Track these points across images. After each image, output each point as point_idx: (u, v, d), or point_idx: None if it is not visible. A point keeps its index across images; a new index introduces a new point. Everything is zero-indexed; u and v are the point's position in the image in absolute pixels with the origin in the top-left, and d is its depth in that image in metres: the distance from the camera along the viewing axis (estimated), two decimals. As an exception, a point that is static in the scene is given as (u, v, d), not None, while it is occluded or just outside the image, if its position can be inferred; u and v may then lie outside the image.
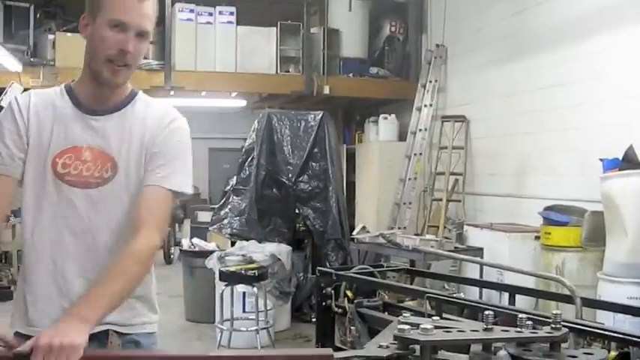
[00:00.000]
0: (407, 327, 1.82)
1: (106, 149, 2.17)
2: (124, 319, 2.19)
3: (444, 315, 4.00)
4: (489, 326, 1.87)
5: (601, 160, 6.06)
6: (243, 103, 12.15)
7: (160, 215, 2.17)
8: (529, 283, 5.60)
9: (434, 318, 2.06)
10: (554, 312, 1.88)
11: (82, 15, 2.16)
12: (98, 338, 2.09)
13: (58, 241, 2.17)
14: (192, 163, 2.28)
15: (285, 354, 2.02)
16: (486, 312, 1.84)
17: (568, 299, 4.09)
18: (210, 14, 10.30)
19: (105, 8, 2.07)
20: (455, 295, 4.53)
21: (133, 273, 2.03)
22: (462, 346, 1.96)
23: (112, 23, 2.06)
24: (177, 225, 14.08)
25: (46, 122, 2.18)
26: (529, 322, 1.89)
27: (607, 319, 4.85)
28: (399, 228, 9.25)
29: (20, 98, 2.21)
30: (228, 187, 8.80)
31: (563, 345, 1.88)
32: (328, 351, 1.86)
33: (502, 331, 1.89)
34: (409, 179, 9.75)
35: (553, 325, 1.88)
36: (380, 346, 1.86)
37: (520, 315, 1.91)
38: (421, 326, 1.83)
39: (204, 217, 11.87)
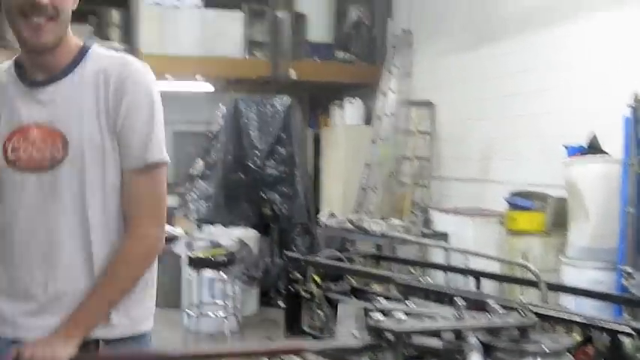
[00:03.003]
0: (379, 316, 1.85)
1: (54, 124, 1.86)
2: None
3: (411, 299, 4.06)
4: (460, 313, 1.91)
5: (565, 146, 6.16)
6: (209, 87, 12.06)
7: (151, 203, 1.94)
8: (494, 267, 5.69)
9: (407, 303, 2.08)
10: (522, 299, 1.92)
11: None
12: (89, 349, 1.90)
13: (16, 241, 1.91)
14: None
15: (257, 349, 1.97)
16: (457, 299, 1.88)
17: (532, 284, 4.16)
18: (176, -3, 10.22)
19: None
20: (420, 279, 4.59)
21: (124, 280, 1.91)
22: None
23: None
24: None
25: None
26: (499, 309, 1.93)
27: (569, 303, 4.96)
28: (365, 212, 9.30)
29: None
30: (194, 171, 8.77)
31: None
32: (300, 344, 1.87)
33: (472, 318, 1.92)
34: (375, 164, 9.79)
35: (521, 312, 1.92)
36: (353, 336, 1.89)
37: (489, 301, 1.95)
38: (394, 315, 1.86)
39: (170, 200, 11.79)
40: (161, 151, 1.93)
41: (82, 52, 1.92)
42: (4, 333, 1.91)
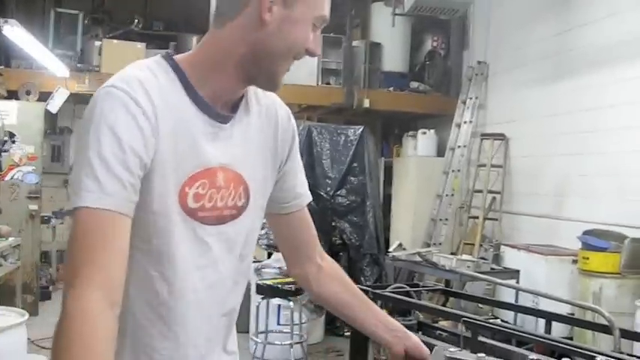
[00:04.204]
0: (450, 369, 1.85)
1: (235, 167, 1.57)
2: None
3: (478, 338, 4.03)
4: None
5: (643, 186, 6.02)
6: (282, 112, 12.21)
7: None
8: (565, 307, 5.58)
9: (479, 355, 2.07)
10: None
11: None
12: None
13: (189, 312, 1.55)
14: None
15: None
16: (531, 357, 1.86)
17: (605, 329, 4.07)
18: (254, 25, 10.41)
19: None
20: (490, 321, 4.54)
21: None
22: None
23: (319, 21, 1.52)
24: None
25: (169, 129, 1.44)
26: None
27: (645, 351, 4.82)
28: (435, 244, 9.25)
29: (135, 87, 1.40)
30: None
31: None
32: None
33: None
34: (446, 195, 9.74)
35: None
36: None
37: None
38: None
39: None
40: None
41: None
42: None
